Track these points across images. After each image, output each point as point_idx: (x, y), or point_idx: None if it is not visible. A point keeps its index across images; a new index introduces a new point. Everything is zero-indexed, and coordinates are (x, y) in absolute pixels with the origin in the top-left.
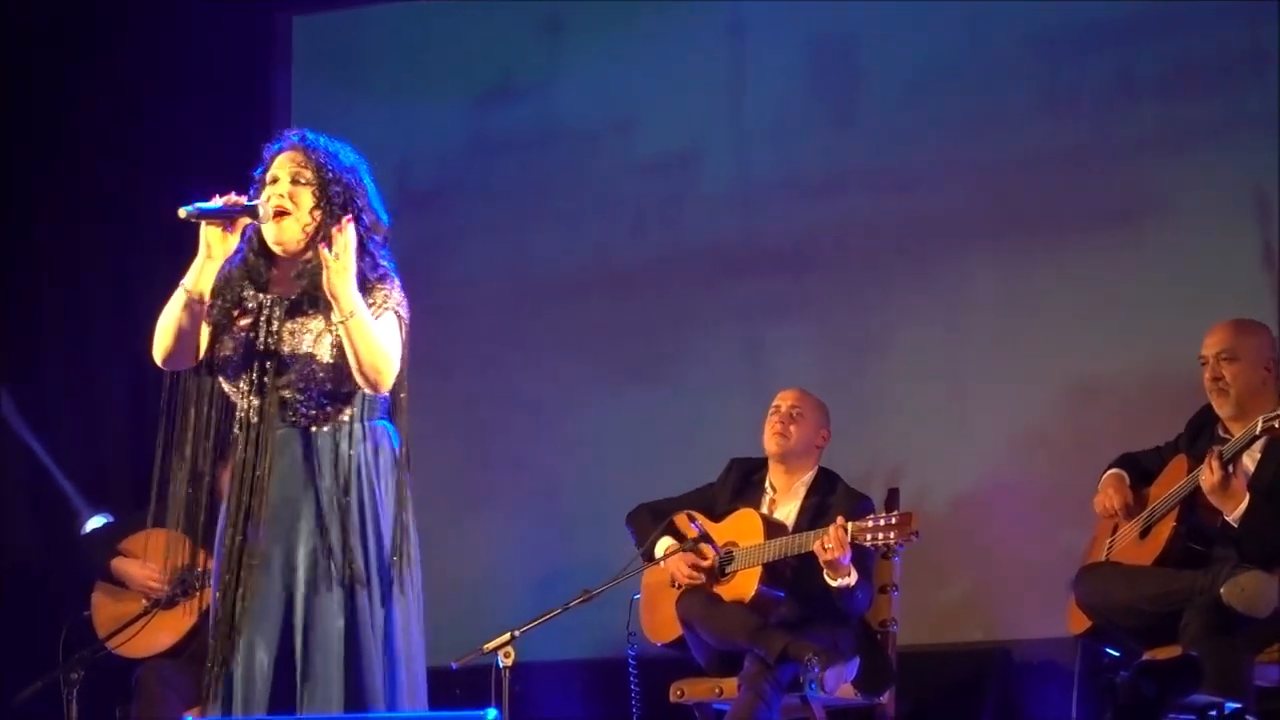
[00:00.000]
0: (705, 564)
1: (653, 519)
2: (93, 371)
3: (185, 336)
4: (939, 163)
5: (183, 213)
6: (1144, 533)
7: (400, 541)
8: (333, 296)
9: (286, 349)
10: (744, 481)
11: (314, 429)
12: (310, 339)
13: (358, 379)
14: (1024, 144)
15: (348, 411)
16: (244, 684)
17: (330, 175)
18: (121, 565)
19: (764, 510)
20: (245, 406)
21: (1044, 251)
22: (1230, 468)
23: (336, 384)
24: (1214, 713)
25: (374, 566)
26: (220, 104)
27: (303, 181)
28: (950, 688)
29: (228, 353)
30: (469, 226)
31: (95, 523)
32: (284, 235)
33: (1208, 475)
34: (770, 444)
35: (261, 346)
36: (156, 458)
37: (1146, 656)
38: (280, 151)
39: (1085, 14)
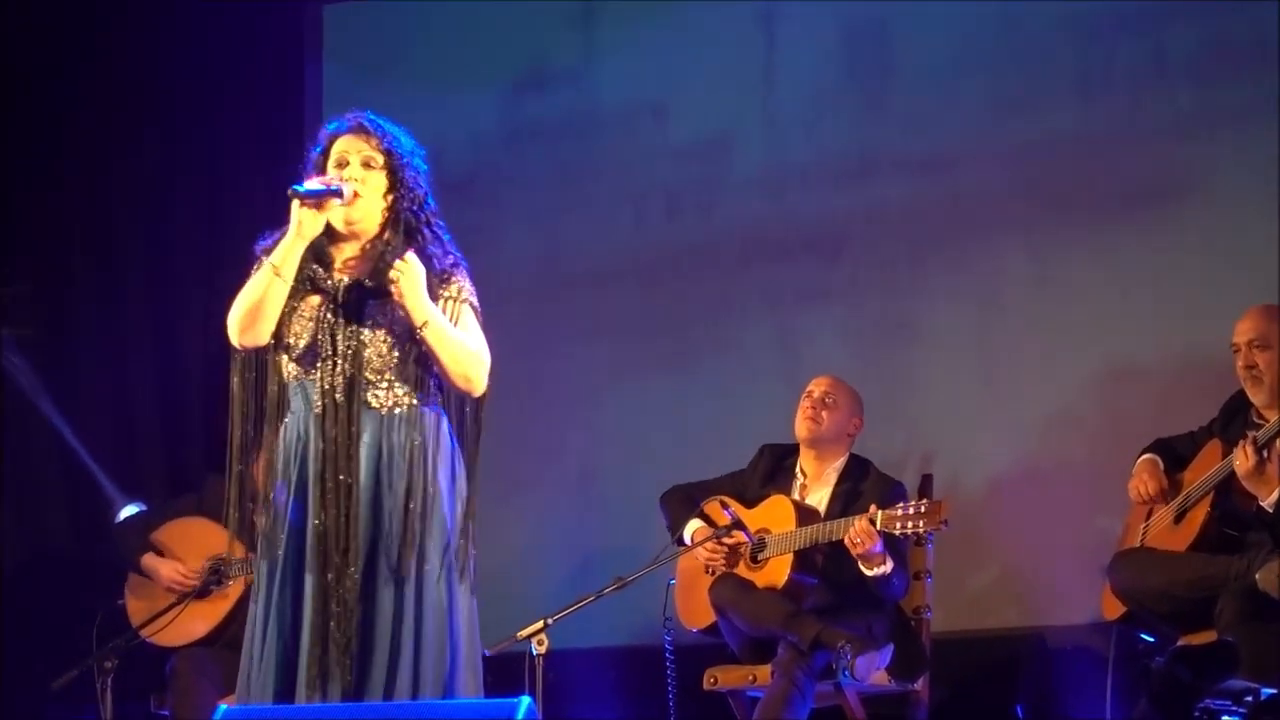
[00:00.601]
0: (730, 542)
1: (685, 502)
2: (125, 360)
3: (269, 315)
4: (971, 146)
5: (293, 193)
6: (1178, 518)
7: (465, 525)
8: (405, 310)
9: (365, 331)
10: (775, 467)
11: (384, 410)
12: (385, 321)
13: (452, 382)
14: (1056, 127)
15: (414, 395)
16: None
17: (402, 160)
18: (151, 563)
19: (795, 496)
20: (324, 386)
21: (1077, 234)
22: (1265, 453)
23: (406, 366)
24: (1250, 698)
25: (438, 550)
26: (252, 94)
27: (374, 166)
28: (984, 674)
29: (300, 331)
30: (502, 215)
31: (128, 512)
32: (356, 217)
33: (1242, 461)
34: (801, 429)
35: (339, 326)
36: (233, 436)
37: (1182, 642)
38: (342, 133)
39: None
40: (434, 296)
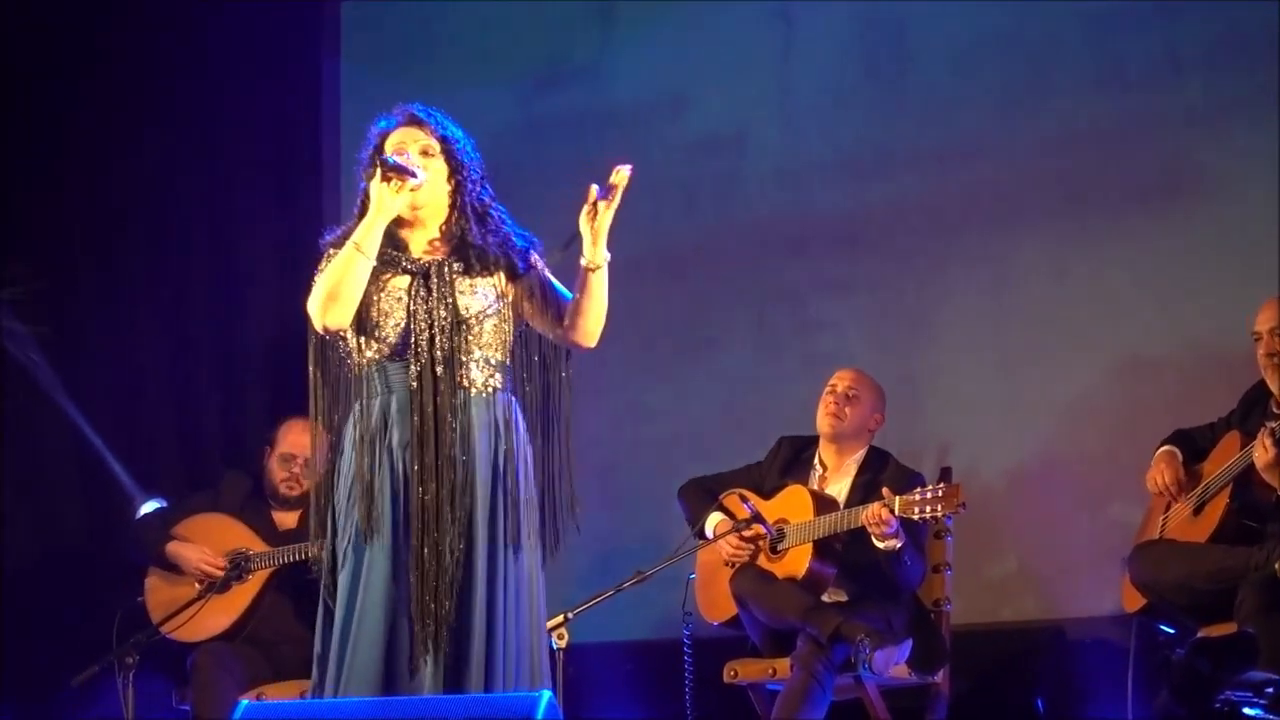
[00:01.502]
0: (750, 534)
1: (703, 495)
2: (139, 358)
3: (354, 294)
4: (988, 138)
5: (381, 162)
6: (1197, 510)
7: (558, 511)
8: (594, 243)
9: (460, 311)
10: (794, 458)
11: (474, 389)
12: (478, 302)
13: (577, 334)
14: (1072, 119)
15: (498, 377)
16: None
17: (459, 146)
18: (177, 549)
19: (814, 487)
20: (422, 362)
21: (1093, 226)
22: None
23: (495, 349)
24: (1270, 689)
25: (534, 532)
26: (270, 91)
27: (433, 153)
28: (1004, 666)
29: (389, 310)
30: (520, 210)
31: (148, 507)
32: (423, 202)
33: (1261, 453)
34: (823, 424)
35: (434, 304)
36: (316, 424)
37: (1201, 634)
38: (394, 129)
39: None
40: (523, 269)
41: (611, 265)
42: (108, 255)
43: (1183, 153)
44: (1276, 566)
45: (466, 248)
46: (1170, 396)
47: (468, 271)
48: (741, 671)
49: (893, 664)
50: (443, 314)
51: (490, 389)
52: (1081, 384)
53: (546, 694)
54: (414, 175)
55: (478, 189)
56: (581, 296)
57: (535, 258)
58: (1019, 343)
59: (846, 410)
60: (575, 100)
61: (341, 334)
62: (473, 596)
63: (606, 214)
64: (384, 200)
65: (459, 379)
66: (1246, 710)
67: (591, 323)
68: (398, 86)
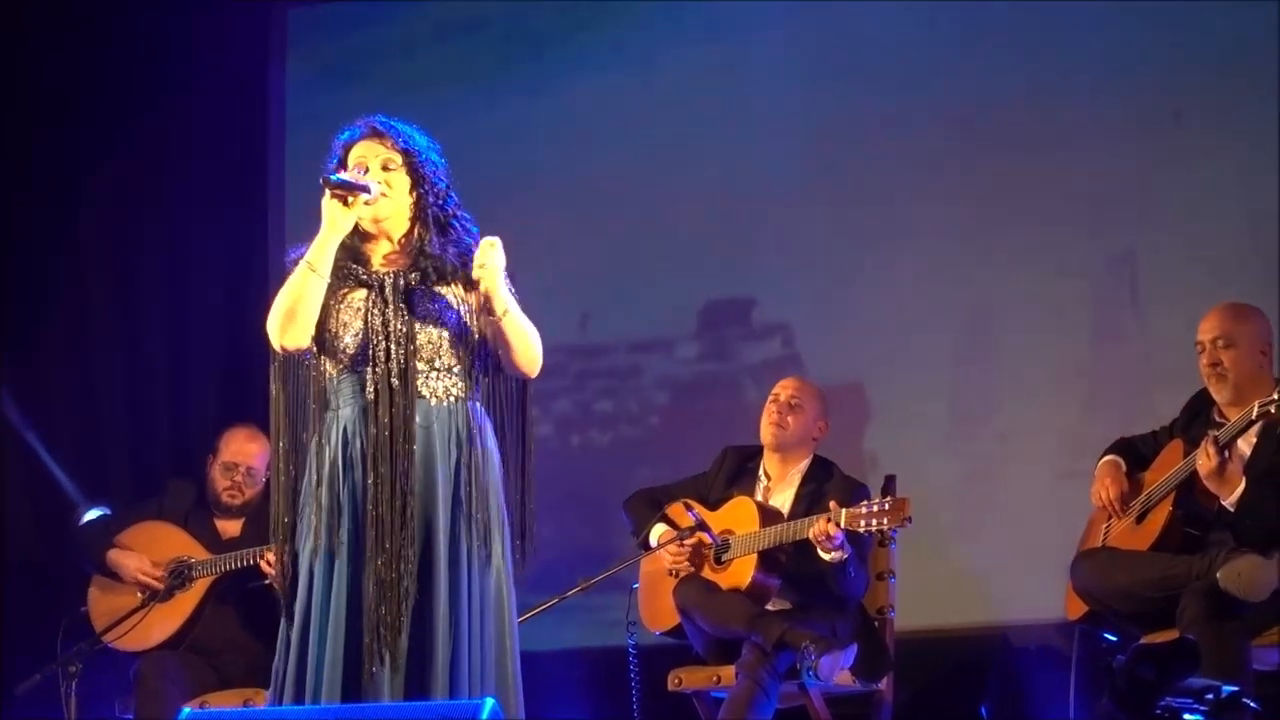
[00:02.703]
0: (691, 541)
1: (649, 506)
2: (92, 364)
3: (309, 313)
4: (941, 145)
5: (327, 180)
6: (1140, 518)
7: (526, 523)
8: (488, 297)
9: (415, 321)
10: (739, 468)
11: (434, 399)
12: (435, 312)
13: (513, 368)
14: (1032, 131)
15: (461, 387)
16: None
17: (421, 157)
18: (117, 557)
19: (759, 498)
20: (377, 374)
21: (1042, 231)
22: (1226, 453)
23: (455, 359)
24: (1211, 696)
25: (497, 543)
26: (215, 97)
27: (394, 167)
28: (948, 674)
29: (348, 323)
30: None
31: (92, 515)
32: (384, 215)
33: (1204, 461)
34: (766, 434)
35: (390, 316)
36: (278, 441)
37: (1143, 641)
38: (356, 140)
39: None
40: (474, 285)
41: (560, 271)
42: (55, 263)
43: (1148, 160)
44: (1218, 575)
45: (425, 258)
46: (1115, 403)
47: (424, 281)
48: (686, 679)
49: (838, 671)
50: (398, 325)
51: (452, 398)
52: (1026, 390)
53: (490, 701)
54: (365, 190)
55: (440, 200)
56: (500, 340)
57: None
58: (963, 347)
59: (789, 420)
60: (525, 106)
61: (302, 351)
62: (433, 608)
63: (487, 283)
64: (335, 217)
65: (417, 389)
66: (1187, 717)
67: (520, 359)
68: (342, 93)
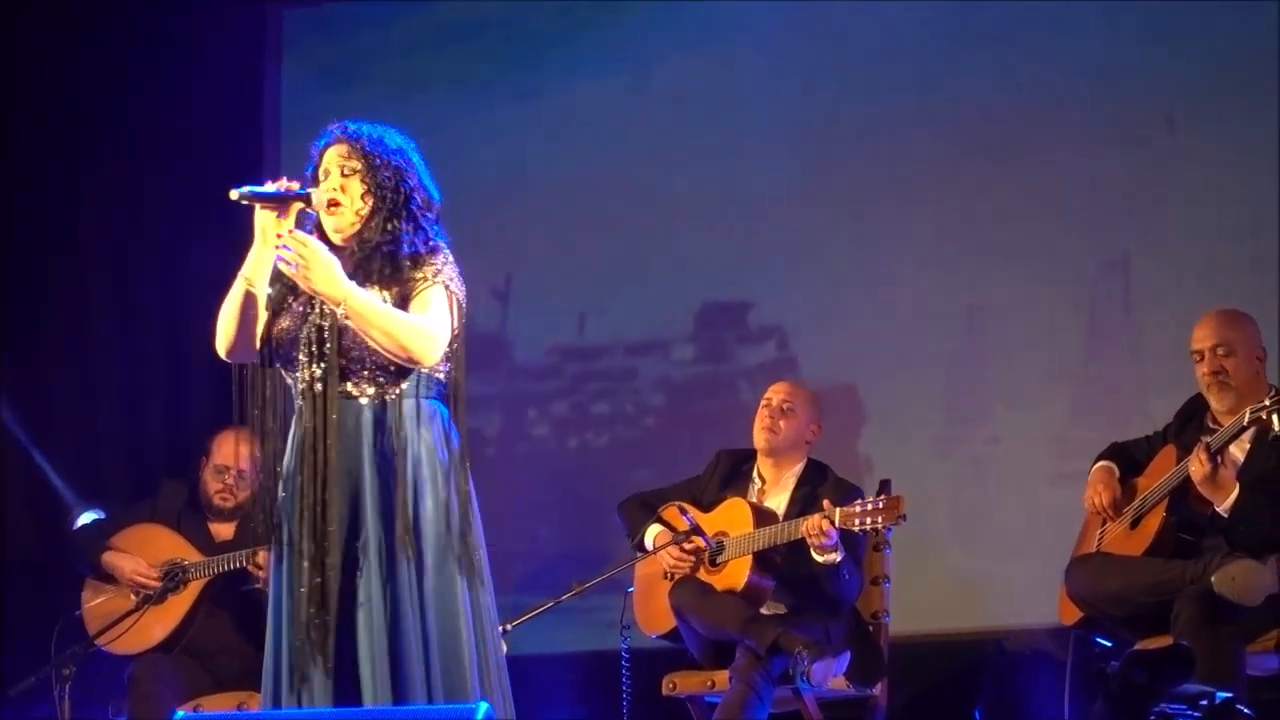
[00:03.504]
0: (690, 548)
1: (643, 509)
2: (89, 366)
3: (247, 326)
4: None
5: (234, 194)
6: (1134, 523)
7: (462, 527)
8: (317, 295)
9: (341, 323)
10: (732, 472)
11: (365, 398)
12: None
13: (393, 356)
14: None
15: (401, 386)
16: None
17: (378, 161)
18: (112, 559)
19: (752, 500)
20: (305, 377)
21: (1031, 248)
22: (1219, 459)
23: (388, 359)
24: (1205, 702)
25: (431, 547)
26: (213, 97)
27: (348, 172)
28: (943, 679)
29: (284, 329)
30: (460, 217)
31: (86, 518)
32: (340, 225)
33: (1197, 468)
34: (759, 439)
35: (319, 320)
36: (261, 452)
37: (1138, 646)
38: (328, 146)
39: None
40: (407, 279)
41: (558, 273)
42: (52, 264)
43: (1141, 165)
44: (1213, 580)
45: (361, 261)
46: (1108, 407)
47: (357, 280)
48: (680, 684)
49: (831, 676)
50: (330, 327)
51: (390, 397)
52: (1020, 394)
53: (484, 705)
54: (301, 200)
55: (394, 202)
56: (361, 331)
57: (431, 266)
58: (958, 350)
59: (781, 424)
60: (522, 108)
61: (256, 363)
62: (368, 611)
63: (300, 281)
64: (264, 227)
65: (347, 390)
66: None
67: (386, 347)
68: (339, 94)
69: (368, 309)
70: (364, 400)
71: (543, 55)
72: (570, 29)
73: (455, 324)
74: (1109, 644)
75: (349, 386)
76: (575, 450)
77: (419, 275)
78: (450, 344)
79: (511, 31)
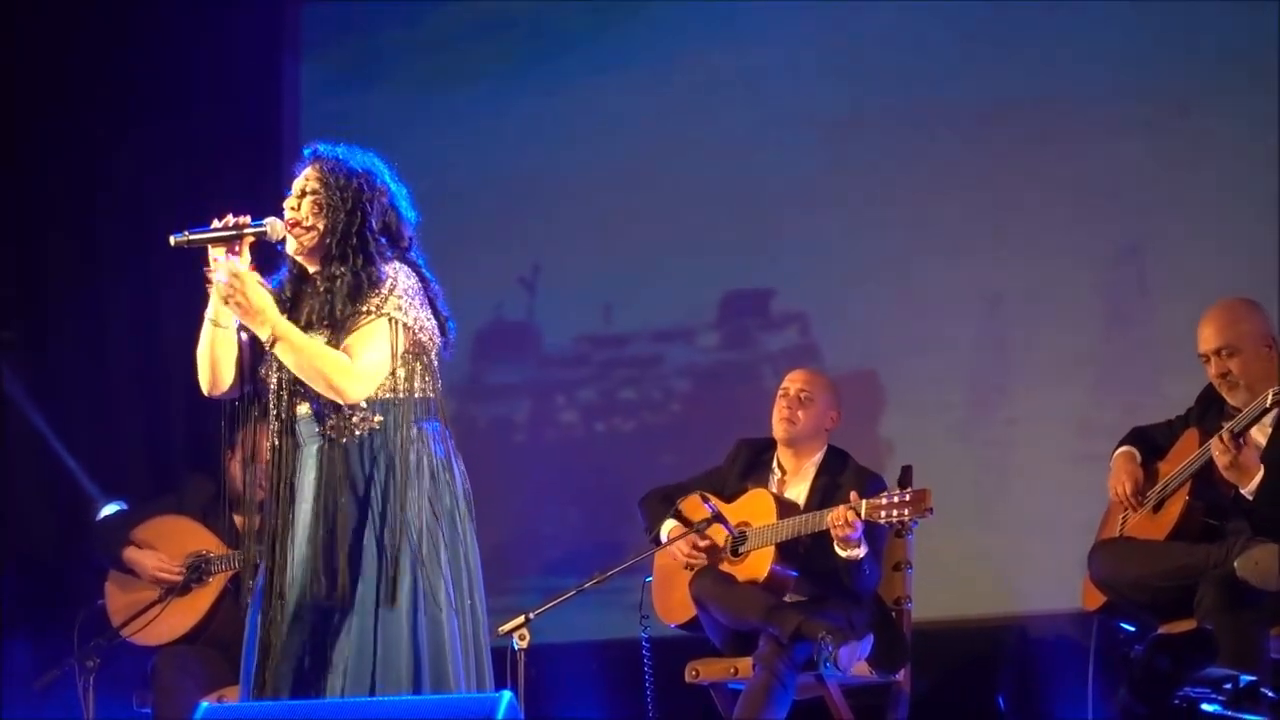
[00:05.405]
0: (704, 545)
1: (663, 502)
2: (109, 360)
3: (218, 365)
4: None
5: (173, 240)
6: (1157, 507)
7: (424, 550)
8: (246, 324)
9: None
10: (753, 461)
11: (328, 429)
12: (320, 338)
13: (321, 393)
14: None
15: (375, 420)
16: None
17: (333, 180)
18: (134, 556)
19: (773, 490)
20: (274, 409)
21: (1059, 235)
22: (1241, 442)
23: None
24: (1229, 685)
25: (369, 578)
26: (231, 94)
27: (307, 192)
28: (966, 664)
29: (263, 374)
30: (478, 216)
31: (109, 510)
32: (300, 248)
33: (1220, 452)
34: (778, 429)
35: (277, 367)
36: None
37: (1161, 631)
38: (302, 168)
39: None
40: (354, 313)
41: (584, 264)
42: (72, 259)
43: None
44: (1236, 564)
45: (315, 296)
46: (1125, 389)
47: (306, 327)
48: (703, 671)
49: (855, 661)
50: (284, 372)
51: (347, 437)
52: (1039, 378)
53: (507, 695)
54: (257, 233)
55: (347, 227)
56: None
57: (374, 300)
58: (977, 336)
59: (800, 414)
60: (547, 104)
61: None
62: (323, 639)
63: (239, 317)
64: (219, 265)
65: (312, 432)
66: (1205, 707)
67: (314, 382)
68: (358, 90)
69: (295, 344)
70: (327, 429)
71: (567, 51)
72: (595, 25)
73: (403, 348)
74: (1132, 629)
75: (318, 429)
76: (603, 435)
77: (362, 308)
78: (409, 365)
79: (536, 27)
